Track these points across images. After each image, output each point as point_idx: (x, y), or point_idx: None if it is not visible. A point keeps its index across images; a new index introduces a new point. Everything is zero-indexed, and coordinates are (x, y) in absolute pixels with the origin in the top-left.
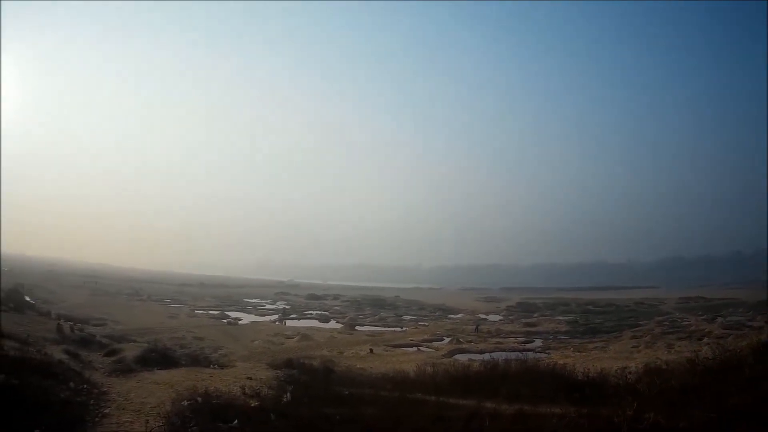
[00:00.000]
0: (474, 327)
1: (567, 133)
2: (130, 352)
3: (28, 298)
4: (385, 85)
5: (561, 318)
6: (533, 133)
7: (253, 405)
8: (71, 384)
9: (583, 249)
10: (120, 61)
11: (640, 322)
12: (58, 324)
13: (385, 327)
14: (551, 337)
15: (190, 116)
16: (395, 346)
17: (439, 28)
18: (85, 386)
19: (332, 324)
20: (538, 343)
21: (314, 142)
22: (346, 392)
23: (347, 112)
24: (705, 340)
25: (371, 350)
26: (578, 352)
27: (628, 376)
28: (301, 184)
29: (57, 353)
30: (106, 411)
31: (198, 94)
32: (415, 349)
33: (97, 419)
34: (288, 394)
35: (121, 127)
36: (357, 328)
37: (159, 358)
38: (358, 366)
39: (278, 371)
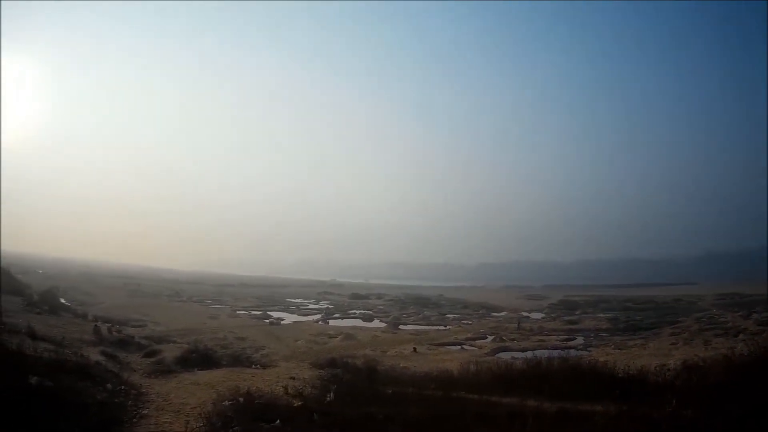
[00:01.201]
0: (516, 325)
1: (604, 130)
2: (170, 353)
3: (63, 300)
4: (416, 87)
5: (602, 315)
6: (570, 131)
7: (296, 405)
8: (108, 385)
9: (624, 245)
10: (134, 61)
11: (679, 319)
12: (95, 326)
13: (428, 326)
14: (592, 334)
15: (220, 116)
16: (439, 345)
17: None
18: (122, 387)
19: (376, 323)
20: (579, 340)
21: (354, 143)
22: (390, 391)
23: (382, 115)
24: (741, 336)
25: (415, 349)
26: (619, 349)
27: (667, 374)
28: (343, 184)
29: (94, 355)
30: (145, 412)
31: (225, 94)
32: (458, 347)
33: (135, 420)
34: (331, 394)
35: (152, 127)
36: (400, 327)
37: (200, 358)
38: (401, 365)
39: (321, 371)
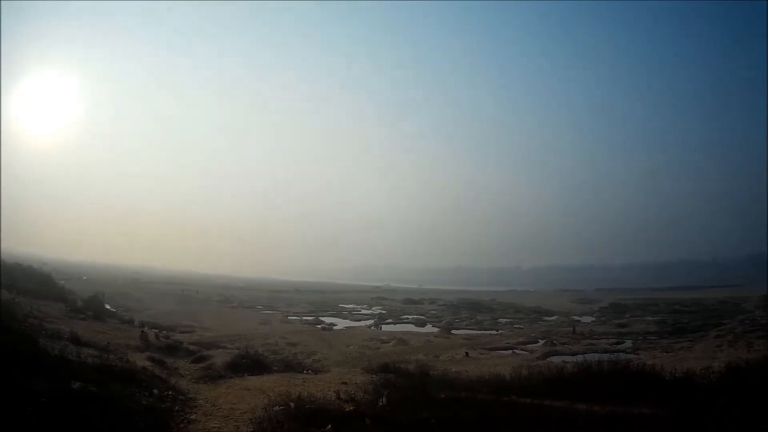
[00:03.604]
0: (571, 329)
1: (653, 135)
2: (220, 358)
3: (108, 306)
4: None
5: (650, 318)
6: (621, 133)
7: (347, 409)
8: (155, 391)
9: (673, 248)
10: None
11: (724, 322)
12: (142, 331)
13: (481, 330)
14: (641, 337)
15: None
16: (491, 349)
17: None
18: (170, 393)
19: (428, 328)
20: (628, 344)
21: (410, 148)
22: (442, 396)
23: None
24: None
25: (467, 353)
26: (666, 352)
27: (712, 376)
28: (399, 192)
29: (140, 361)
30: (192, 417)
31: (291, 94)
32: (510, 352)
33: (182, 425)
34: (384, 398)
35: (198, 131)
36: (453, 331)
37: (250, 364)
38: (453, 369)
39: (374, 375)
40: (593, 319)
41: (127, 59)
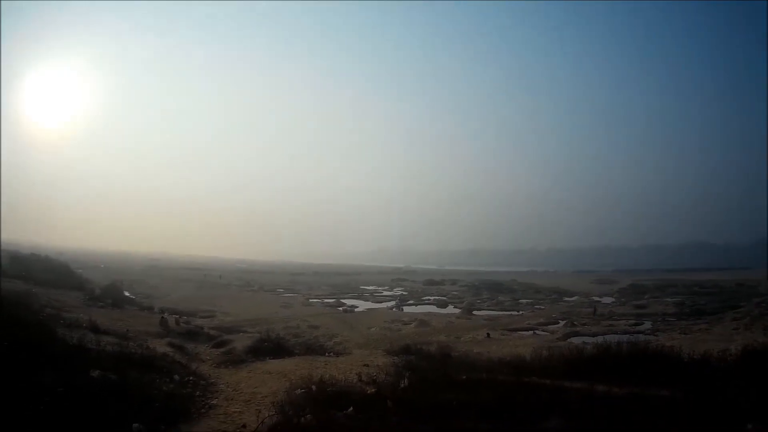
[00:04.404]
0: (592, 310)
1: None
2: (241, 342)
3: (127, 294)
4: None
5: (669, 299)
6: (641, 118)
7: (369, 392)
8: (175, 376)
9: (691, 229)
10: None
11: (741, 304)
12: (162, 317)
13: (502, 311)
14: (660, 318)
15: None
16: (512, 330)
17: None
18: (190, 378)
19: (450, 309)
20: (647, 325)
21: (430, 132)
22: (463, 377)
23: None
24: None
25: (488, 335)
26: (684, 334)
27: (728, 358)
28: (418, 176)
29: (161, 347)
30: (213, 402)
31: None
32: (531, 332)
33: (203, 410)
34: (405, 380)
35: (217, 121)
36: (474, 312)
37: (271, 347)
38: (475, 351)
39: (395, 357)
40: (613, 299)
41: (147, 52)
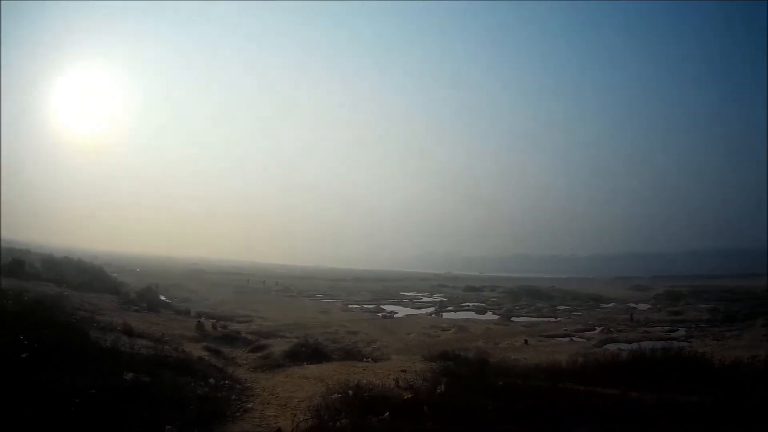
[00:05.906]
0: (628, 316)
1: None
2: (278, 347)
3: (163, 297)
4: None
5: (703, 306)
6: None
7: (405, 397)
8: (211, 380)
9: (731, 235)
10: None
11: None
12: (198, 321)
13: (540, 317)
14: (694, 325)
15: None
16: (549, 337)
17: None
18: (226, 382)
19: (488, 315)
20: (681, 332)
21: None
22: (500, 383)
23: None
24: None
25: (526, 341)
26: (716, 340)
27: (757, 364)
28: (462, 184)
29: (197, 351)
30: (249, 406)
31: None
32: (568, 339)
33: (237, 414)
34: (442, 386)
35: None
36: (513, 319)
37: (309, 352)
38: (512, 357)
39: (433, 363)
40: (649, 306)
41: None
